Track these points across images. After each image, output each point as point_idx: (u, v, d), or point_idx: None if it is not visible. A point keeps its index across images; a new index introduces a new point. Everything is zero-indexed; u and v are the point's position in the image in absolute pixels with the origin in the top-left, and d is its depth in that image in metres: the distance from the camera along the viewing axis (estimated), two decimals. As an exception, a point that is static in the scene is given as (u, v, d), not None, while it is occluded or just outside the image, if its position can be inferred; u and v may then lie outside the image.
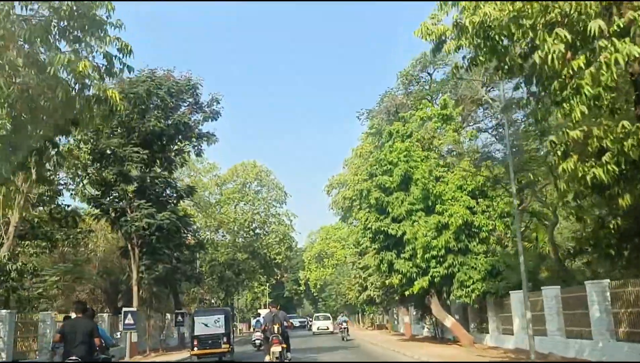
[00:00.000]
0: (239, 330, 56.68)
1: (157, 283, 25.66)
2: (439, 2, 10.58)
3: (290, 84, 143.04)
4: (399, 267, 23.08)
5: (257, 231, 45.26)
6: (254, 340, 27.57)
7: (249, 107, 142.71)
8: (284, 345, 14.72)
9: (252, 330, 37.14)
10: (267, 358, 14.72)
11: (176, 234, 26.03)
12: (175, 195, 26.32)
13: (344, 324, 35.17)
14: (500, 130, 24.73)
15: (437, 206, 22.63)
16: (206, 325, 19.77)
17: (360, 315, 59.30)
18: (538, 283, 20.04)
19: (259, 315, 37.50)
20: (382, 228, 23.28)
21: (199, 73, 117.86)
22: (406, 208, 23.19)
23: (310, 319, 49.95)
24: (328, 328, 41.41)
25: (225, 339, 19.49)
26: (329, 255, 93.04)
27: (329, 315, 46.63)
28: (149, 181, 24.87)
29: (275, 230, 44.17)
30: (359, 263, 45.35)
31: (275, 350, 14.31)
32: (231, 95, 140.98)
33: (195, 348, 19.69)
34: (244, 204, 44.65)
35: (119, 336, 19.53)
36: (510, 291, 20.34)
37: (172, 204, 26.12)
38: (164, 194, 25.83)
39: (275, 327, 14.60)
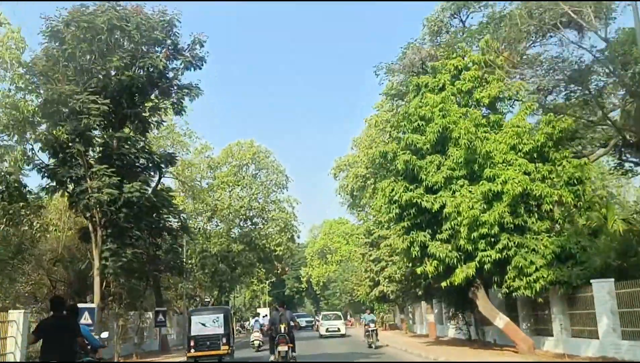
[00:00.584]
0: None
1: (128, 273, 20.36)
2: None
3: (290, 84, 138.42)
4: (434, 251, 17.80)
5: (255, 219, 39.88)
6: (253, 341, 25.89)
7: (249, 107, 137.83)
8: (290, 345, 14.64)
9: (251, 330, 34.40)
10: (272, 358, 14.84)
11: (151, 213, 20.76)
12: (151, 165, 20.96)
13: (372, 325, 26.32)
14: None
15: (485, 170, 17.36)
16: (204, 324, 18.38)
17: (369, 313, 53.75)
18: (624, 272, 14.84)
19: (258, 314, 34.73)
20: (414, 200, 17.95)
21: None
22: (445, 173, 17.91)
23: (318, 318, 44.32)
24: (339, 330, 35.21)
25: (224, 340, 18.16)
26: (333, 251, 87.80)
27: (339, 313, 40.07)
28: (115, 144, 19.59)
29: (276, 218, 38.74)
30: (370, 255, 40.13)
31: (281, 350, 14.32)
32: (231, 95, 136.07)
33: (192, 350, 18.26)
34: (240, 189, 39.25)
35: (105, 336, 14.96)
36: (591, 280, 15.04)
37: (147, 175, 20.81)
38: (137, 164, 20.53)
39: (282, 327, 14.61)
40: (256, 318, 30.83)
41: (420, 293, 27.77)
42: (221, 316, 18.87)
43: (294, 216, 40.28)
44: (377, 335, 26.22)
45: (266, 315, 38.16)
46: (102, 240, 19.03)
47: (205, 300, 44.34)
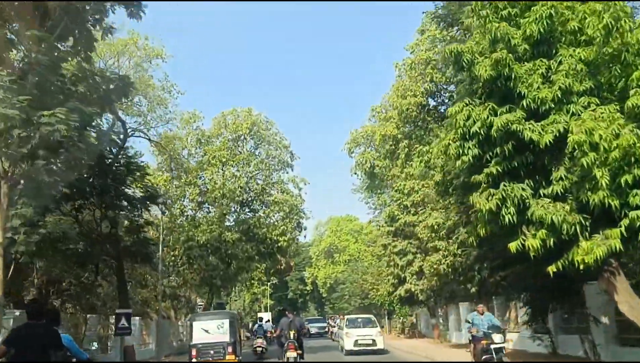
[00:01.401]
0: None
1: (55, 255, 13.19)
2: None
3: (291, 79, 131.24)
4: (541, 213, 10.68)
5: (254, 204, 32.77)
6: (255, 348, 23.71)
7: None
8: (299, 352, 14.44)
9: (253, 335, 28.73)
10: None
11: (104, 171, 13.70)
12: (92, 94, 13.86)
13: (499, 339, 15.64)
14: None
15: (636, 73, 10.29)
16: (207, 331, 16.77)
17: (387, 318, 46.35)
18: None
19: (260, 319, 29.17)
20: (512, 127, 10.82)
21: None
22: (560, 85, 10.81)
23: (334, 323, 36.63)
24: (374, 343, 23.22)
25: (230, 348, 16.44)
26: (340, 250, 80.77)
27: (372, 317, 27.63)
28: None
29: (279, 201, 31.60)
30: (394, 247, 32.97)
31: (290, 356, 14.08)
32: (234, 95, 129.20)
33: (194, 360, 16.62)
34: (235, 167, 32.16)
35: (95, 347, 14.60)
36: None
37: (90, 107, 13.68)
38: (69, 88, 13.40)
39: (292, 333, 14.48)
40: (259, 323, 27.42)
41: (474, 290, 20.69)
42: (226, 321, 16.99)
43: (301, 200, 33.17)
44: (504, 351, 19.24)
45: (268, 320, 32.15)
46: (6, 198, 11.92)
47: (199, 304, 37.31)
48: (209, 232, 29.29)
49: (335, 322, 37.55)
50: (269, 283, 78.70)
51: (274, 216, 32.34)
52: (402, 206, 32.80)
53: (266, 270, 35.17)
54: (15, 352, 6.42)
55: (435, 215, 21.01)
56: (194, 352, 16.66)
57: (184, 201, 32.07)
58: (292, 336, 14.70)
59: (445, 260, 20.56)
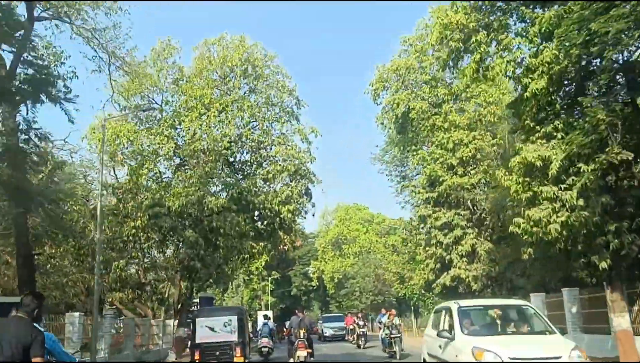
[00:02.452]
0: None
1: None
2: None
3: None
4: None
5: (248, 162, 24.55)
6: (261, 348, 20.97)
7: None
8: (309, 350, 14.37)
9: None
10: (291, 360, 14.50)
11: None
12: None
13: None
14: None
15: None
16: (212, 329, 14.92)
17: (414, 316, 37.65)
18: None
19: (266, 317, 24.98)
20: None
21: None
22: None
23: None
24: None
25: (238, 349, 14.62)
26: (349, 241, 72.45)
27: (528, 307, 10.10)
28: None
29: (282, 157, 23.30)
30: (435, 219, 24.71)
31: (300, 354, 13.96)
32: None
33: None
34: (223, 112, 23.91)
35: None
36: None
37: None
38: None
39: (301, 332, 14.44)
40: (264, 321, 24.16)
41: (605, 265, 12.25)
42: (234, 318, 15.19)
43: (310, 156, 24.87)
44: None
45: (269, 319, 25.22)
46: None
47: (191, 297, 29.09)
48: (184, 196, 21.01)
49: (377, 321, 28.95)
50: (269, 279, 70.62)
51: (274, 178, 23.97)
52: (445, 164, 24.56)
53: (264, 252, 26.65)
54: None
55: (533, 148, 12.76)
56: (197, 354, 14.73)
57: (156, 159, 23.82)
58: (302, 335, 14.44)
59: (559, 216, 12.17)
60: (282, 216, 24.27)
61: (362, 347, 25.79)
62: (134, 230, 20.72)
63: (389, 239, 74.93)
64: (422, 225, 25.12)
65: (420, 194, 25.16)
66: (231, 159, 24.94)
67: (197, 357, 14.84)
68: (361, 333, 25.75)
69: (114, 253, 20.54)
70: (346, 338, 29.77)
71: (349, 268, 66.84)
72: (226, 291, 67.27)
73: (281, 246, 26.16)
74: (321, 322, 36.57)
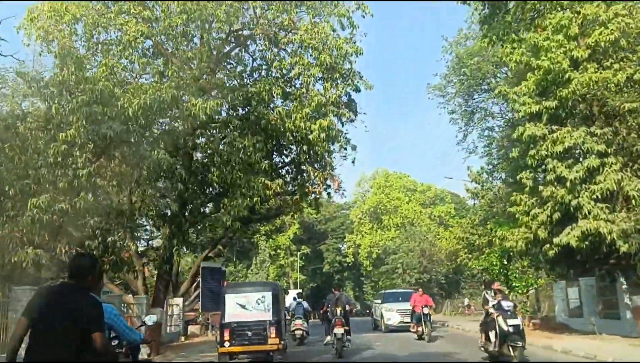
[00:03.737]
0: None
1: None
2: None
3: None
4: None
5: (258, 48, 15.93)
6: (294, 331, 18.30)
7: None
8: (346, 328, 14.25)
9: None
10: (328, 338, 14.78)
11: None
12: None
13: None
14: None
15: None
16: (244, 306, 12.99)
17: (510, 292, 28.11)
18: None
19: (299, 295, 21.54)
20: None
21: None
22: None
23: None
24: None
25: (273, 330, 12.49)
26: (390, 211, 63.57)
27: None
28: None
29: (311, 44, 14.34)
30: (553, 143, 15.64)
31: (337, 332, 13.86)
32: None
33: (226, 344, 12.49)
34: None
35: (152, 323, 7.77)
36: None
37: None
38: None
39: (338, 310, 14.49)
40: (299, 300, 20.20)
41: None
42: (268, 295, 13.00)
43: (355, 47, 15.96)
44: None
45: (302, 298, 21.57)
46: None
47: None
48: (148, 93, 12.68)
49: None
50: (299, 253, 62.58)
51: (298, 77, 15.35)
52: (567, 59, 15.39)
53: (290, 202, 17.81)
54: (36, 329, 3.76)
55: None
56: (226, 334, 12.33)
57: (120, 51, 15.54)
58: (339, 312, 14.35)
59: None
60: (311, 137, 15.58)
61: (426, 337, 17.49)
62: (64, 146, 12.38)
63: (434, 210, 66.10)
64: (529, 156, 15.90)
65: (525, 107, 16.00)
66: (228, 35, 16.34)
67: (226, 337, 12.69)
68: (426, 317, 17.54)
69: (33, 184, 12.34)
70: (412, 328, 18.91)
71: (390, 242, 58.17)
72: (249, 267, 59.79)
73: (311, 190, 17.38)
74: (378, 302, 25.96)
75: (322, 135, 15.54)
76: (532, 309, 24.36)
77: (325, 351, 14.91)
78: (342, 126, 17.06)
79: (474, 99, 28.28)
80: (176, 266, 27.44)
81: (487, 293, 12.31)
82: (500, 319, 11.17)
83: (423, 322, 17.48)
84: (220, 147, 15.11)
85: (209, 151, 15.49)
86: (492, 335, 11.58)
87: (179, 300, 26.51)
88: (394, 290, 30.31)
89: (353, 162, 20.54)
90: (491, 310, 11.66)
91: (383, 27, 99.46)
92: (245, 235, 28.23)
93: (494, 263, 23.64)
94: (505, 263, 23.55)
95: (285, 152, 17.62)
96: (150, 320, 7.06)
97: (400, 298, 24.00)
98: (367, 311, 69.06)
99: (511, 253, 22.42)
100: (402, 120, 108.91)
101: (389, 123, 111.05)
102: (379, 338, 19.50)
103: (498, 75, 25.54)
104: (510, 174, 25.42)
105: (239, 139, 15.01)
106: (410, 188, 64.77)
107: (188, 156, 15.08)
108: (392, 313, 23.34)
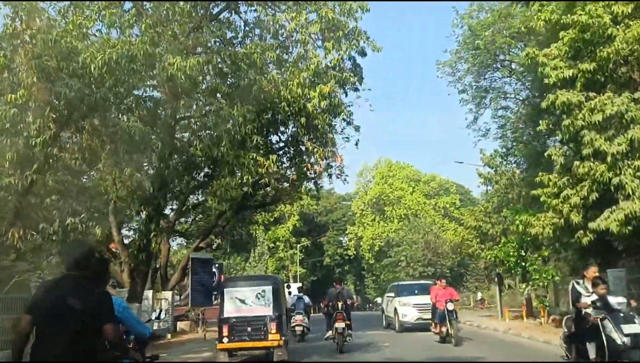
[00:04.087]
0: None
1: None
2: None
3: None
4: None
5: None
6: (294, 327, 17.55)
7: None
8: (348, 322, 13.98)
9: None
10: (329, 333, 14.39)
11: None
12: None
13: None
14: None
15: None
16: (243, 301, 12.54)
17: (499, 290, 25.94)
18: None
19: (301, 288, 23.31)
20: None
21: None
22: None
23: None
24: None
25: (274, 325, 12.03)
26: (393, 202, 61.53)
27: None
28: None
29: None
30: (590, 111, 13.47)
31: (339, 326, 13.63)
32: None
33: (225, 340, 12.01)
34: None
35: (163, 316, 10.98)
36: None
37: None
38: None
39: (340, 304, 14.19)
40: (299, 294, 19.96)
41: None
42: (269, 289, 12.52)
43: (361, 6, 13.77)
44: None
45: (303, 292, 22.13)
46: None
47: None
48: (115, 47, 10.58)
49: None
50: (298, 246, 60.57)
51: (291, 36, 13.28)
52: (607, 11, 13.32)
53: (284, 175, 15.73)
54: (39, 326, 3.65)
55: None
56: (225, 330, 11.84)
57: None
58: (340, 307, 14.04)
59: None
60: (310, 107, 13.51)
61: (453, 339, 14.06)
62: (14, 110, 10.30)
63: (438, 201, 63.99)
64: (563, 126, 13.76)
65: (557, 71, 13.86)
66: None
67: (225, 332, 12.01)
68: (451, 315, 14.17)
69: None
70: (434, 328, 15.35)
71: (393, 234, 56.19)
72: (247, 260, 57.81)
73: (310, 168, 15.27)
74: (390, 295, 21.94)
75: (323, 104, 13.44)
76: (551, 304, 22.33)
77: (326, 347, 14.38)
78: (346, 95, 14.97)
79: (486, 78, 26.14)
80: (165, 258, 25.57)
81: (577, 283, 8.47)
82: (607, 325, 7.42)
83: (448, 321, 14.23)
84: (206, 118, 12.99)
85: (192, 123, 13.36)
86: (590, 348, 7.81)
87: (167, 294, 24.57)
88: (410, 282, 26.87)
89: (356, 144, 18.45)
90: (589, 310, 7.85)
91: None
92: (240, 223, 26.21)
93: (511, 253, 21.60)
94: (523, 253, 21.53)
95: (281, 128, 15.49)
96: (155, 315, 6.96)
97: (416, 291, 20.89)
98: (369, 305, 67.42)
99: (532, 242, 20.38)
100: (406, 108, 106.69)
101: (393, 111, 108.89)
102: (389, 338, 17.29)
103: (515, 49, 23.38)
104: (528, 157, 23.38)
105: (227, 108, 12.89)
106: (414, 178, 62.68)
107: (168, 127, 12.99)
108: (407, 309, 19.69)
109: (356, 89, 15.15)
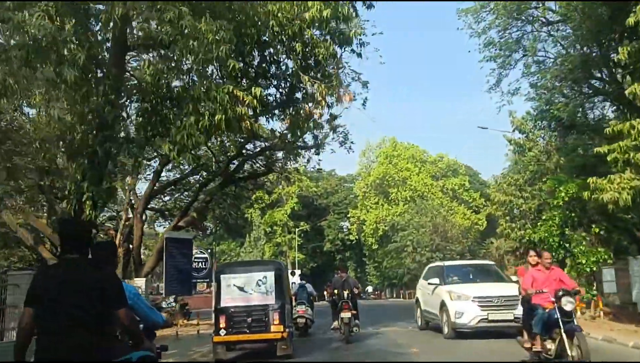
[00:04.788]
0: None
1: None
2: None
3: None
4: None
5: None
6: (296, 318, 15.55)
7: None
8: (354, 312, 13.44)
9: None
10: (335, 324, 14.11)
11: None
12: None
13: None
14: None
15: None
16: (242, 289, 11.40)
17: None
18: None
19: (304, 276, 21.57)
20: None
21: None
22: None
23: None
24: None
25: (276, 316, 10.89)
26: (398, 184, 57.63)
27: None
28: None
29: None
30: None
31: (344, 316, 13.14)
32: None
33: (222, 332, 10.89)
34: None
35: (172, 303, 11.75)
36: None
37: None
38: None
39: (345, 293, 13.68)
40: (301, 282, 17.88)
41: None
42: (270, 275, 11.34)
43: None
44: None
45: (302, 282, 18.24)
46: None
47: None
48: None
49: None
50: (297, 230, 56.88)
51: None
52: None
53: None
54: (42, 313, 3.35)
55: None
56: (222, 321, 10.79)
57: None
58: (346, 295, 13.55)
59: None
60: (308, 17, 9.63)
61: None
62: None
63: (446, 182, 59.99)
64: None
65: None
66: None
67: (222, 324, 10.75)
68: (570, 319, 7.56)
69: None
70: (525, 342, 8.58)
71: (398, 218, 52.48)
72: (242, 245, 54.15)
73: (309, 112, 11.48)
74: (434, 282, 14.43)
75: (326, 13, 9.58)
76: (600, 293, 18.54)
77: (332, 340, 13.70)
78: (356, 15, 11.06)
79: (515, 30, 22.15)
80: (138, 239, 21.86)
81: None
82: None
83: (563, 333, 7.50)
84: (159, 30, 9.12)
85: (139, 34, 9.51)
86: None
87: (141, 281, 21.01)
88: (461, 262, 19.69)
89: (364, 104, 14.65)
90: None
91: None
92: (226, 197, 22.46)
93: (554, 232, 17.82)
94: (567, 232, 17.76)
95: (269, 57, 11.58)
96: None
97: (473, 276, 14.66)
98: (372, 291, 64.08)
99: (578, 219, 16.60)
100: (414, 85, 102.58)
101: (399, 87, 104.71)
102: (416, 339, 13.21)
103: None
104: (571, 116, 19.47)
105: (190, 19, 8.99)
106: (420, 158, 58.76)
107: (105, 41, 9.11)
108: (464, 305, 12.71)
109: (370, 6, 11.28)
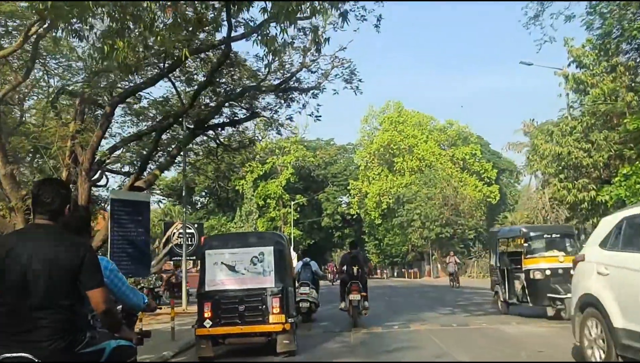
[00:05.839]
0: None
1: None
2: None
3: None
4: None
5: None
6: (299, 302, 13.83)
7: None
8: (364, 294, 12.69)
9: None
10: (343, 305, 13.14)
11: None
12: None
13: None
14: None
15: None
16: (233, 268, 9.50)
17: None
18: None
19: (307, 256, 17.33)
20: None
21: None
22: None
23: None
24: None
25: (276, 303, 8.92)
26: (404, 152, 52.55)
27: None
28: None
29: None
30: None
31: (354, 298, 12.37)
32: None
33: (207, 323, 8.90)
34: None
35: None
36: None
37: None
38: None
39: (355, 269, 12.79)
40: (304, 261, 15.61)
41: None
42: (269, 251, 9.32)
43: None
44: None
45: (306, 259, 15.45)
46: None
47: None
48: None
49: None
50: (292, 203, 52.13)
51: None
52: None
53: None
54: (8, 294, 2.83)
55: None
56: (207, 309, 8.83)
57: None
58: (355, 272, 12.70)
59: None
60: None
61: None
62: None
63: (456, 151, 54.88)
64: None
65: None
66: None
67: (207, 313, 8.82)
68: None
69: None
70: None
71: (404, 190, 47.72)
72: (233, 220, 49.46)
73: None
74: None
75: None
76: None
77: (339, 323, 12.53)
78: None
79: None
80: (84, 204, 17.04)
81: None
82: None
83: None
84: None
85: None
86: None
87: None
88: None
89: (377, 24, 9.99)
90: None
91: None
92: (198, 146, 17.65)
93: (636, 190, 13.04)
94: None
95: None
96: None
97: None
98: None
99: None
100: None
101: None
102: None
103: None
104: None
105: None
106: (428, 125, 53.76)
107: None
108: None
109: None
